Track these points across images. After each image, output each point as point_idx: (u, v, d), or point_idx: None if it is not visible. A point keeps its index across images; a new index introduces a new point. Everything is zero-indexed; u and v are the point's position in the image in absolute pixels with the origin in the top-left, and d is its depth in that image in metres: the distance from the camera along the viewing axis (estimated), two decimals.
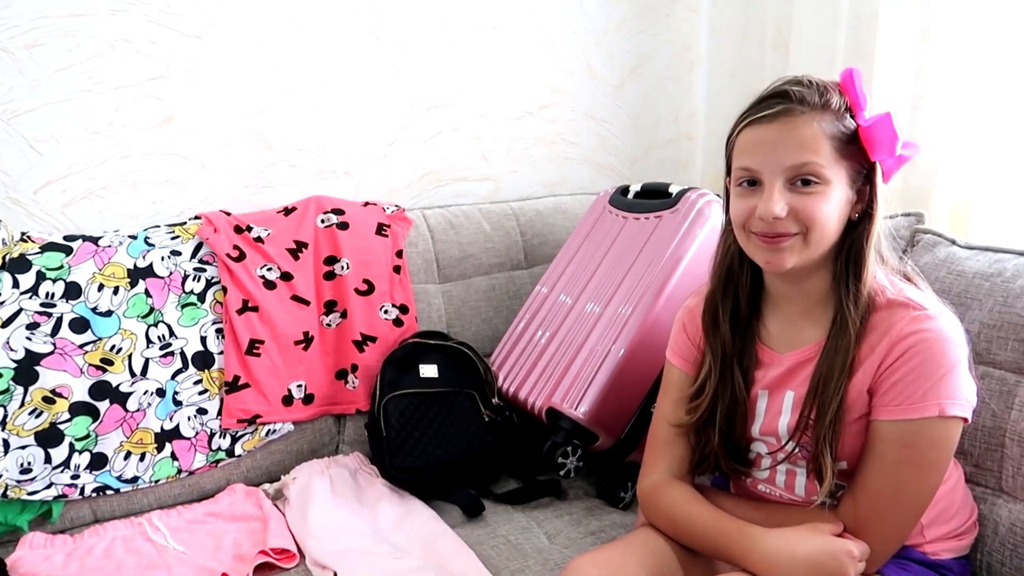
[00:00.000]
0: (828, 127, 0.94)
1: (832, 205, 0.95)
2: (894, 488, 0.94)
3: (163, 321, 1.48)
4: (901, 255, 1.05)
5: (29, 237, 1.45)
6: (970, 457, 1.18)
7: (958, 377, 0.93)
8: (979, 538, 1.13)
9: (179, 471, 1.47)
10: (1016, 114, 1.47)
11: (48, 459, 1.36)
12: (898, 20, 1.61)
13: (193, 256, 1.54)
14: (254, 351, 1.53)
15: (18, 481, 1.34)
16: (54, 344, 1.39)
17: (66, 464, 1.37)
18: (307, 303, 1.61)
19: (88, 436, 1.39)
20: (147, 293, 1.48)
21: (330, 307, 1.64)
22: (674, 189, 1.58)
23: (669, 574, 1.02)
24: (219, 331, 1.53)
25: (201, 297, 1.53)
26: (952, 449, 0.95)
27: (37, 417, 1.36)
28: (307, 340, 1.60)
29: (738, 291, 1.08)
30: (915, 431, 0.93)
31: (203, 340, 1.51)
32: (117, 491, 1.42)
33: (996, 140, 1.51)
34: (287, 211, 1.67)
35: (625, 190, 1.69)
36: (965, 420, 0.94)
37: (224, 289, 1.53)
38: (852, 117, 0.96)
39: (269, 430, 1.55)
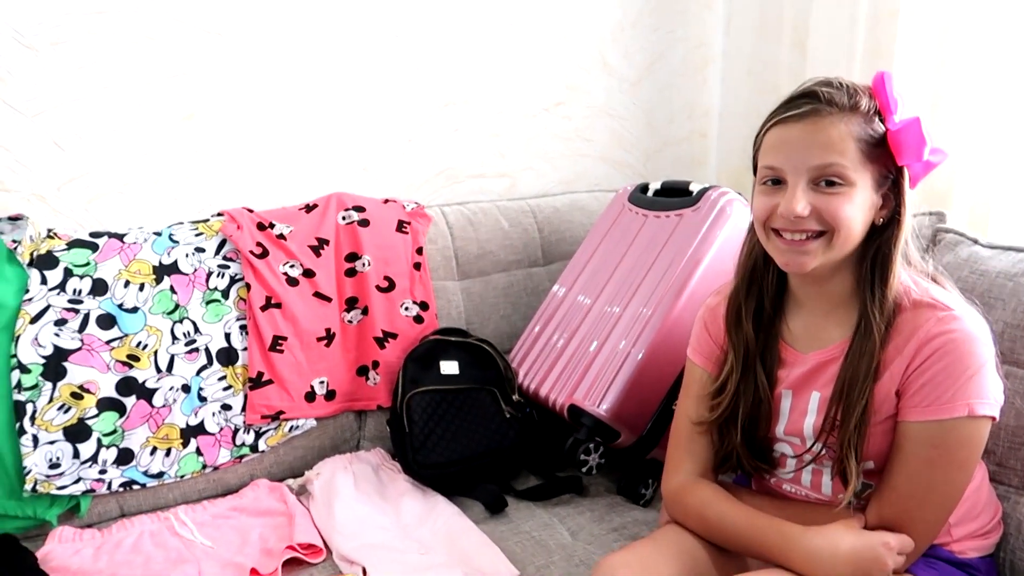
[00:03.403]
0: (855, 129, 0.94)
1: (856, 207, 0.95)
2: (924, 488, 0.95)
3: (188, 318, 1.49)
4: (923, 255, 1.05)
5: (55, 234, 1.46)
6: (993, 456, 1.19)
7: (986, 376, 0.94)
8: (1002, 536, 1.14)
9: (204, 466, 1.48)
10: None
11: (76, 454, 1.37)
12: (917, 18, 1.61)
13: (217, 253, 1.55)
14: (277, 347, 1.54)
15: (47, 476, 1.35)
16: (81, 340, 1.40)
17: (94, 459, 1.39)
18: (329, 300, 1.62)
19: (115, 431, 1.41)
20: (172, 290, 1.49)
21: (351, 304, 1.65)
22: (695, 187, 1.59)
23: (700, 571, 1.02)
24: (243, 327, 1.54)
25: (225, 294, 1.54)
26: (981, 448, 0.96)
27: (65, 412, 1.37)
28: (329, 337, 1.61)
29: (762, 291, 1.09)
30: (945, 431, 0.94)
31: (227, 337, 1.52)
32: (143, 486, 1.44)
33: (1016, 139, 1.51)
34: (308, 208, 1.68)
35: (644, 188, 1.70)
36: (993, 419, 0.95)
37: (248, 286, 1.54)
38: (881, 121, 0.96)
39: (292, 426, 1.56)
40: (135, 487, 1.43)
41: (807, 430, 1.04)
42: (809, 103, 0.96)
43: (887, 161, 0.97)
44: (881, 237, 0.99)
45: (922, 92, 1.61)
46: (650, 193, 1.68)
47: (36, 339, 1.36)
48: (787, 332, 1.09)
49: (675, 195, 1.61)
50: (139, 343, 1.44)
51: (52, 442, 1.36)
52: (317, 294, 1.61)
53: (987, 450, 1.19)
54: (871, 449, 0.99)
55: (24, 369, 1.35)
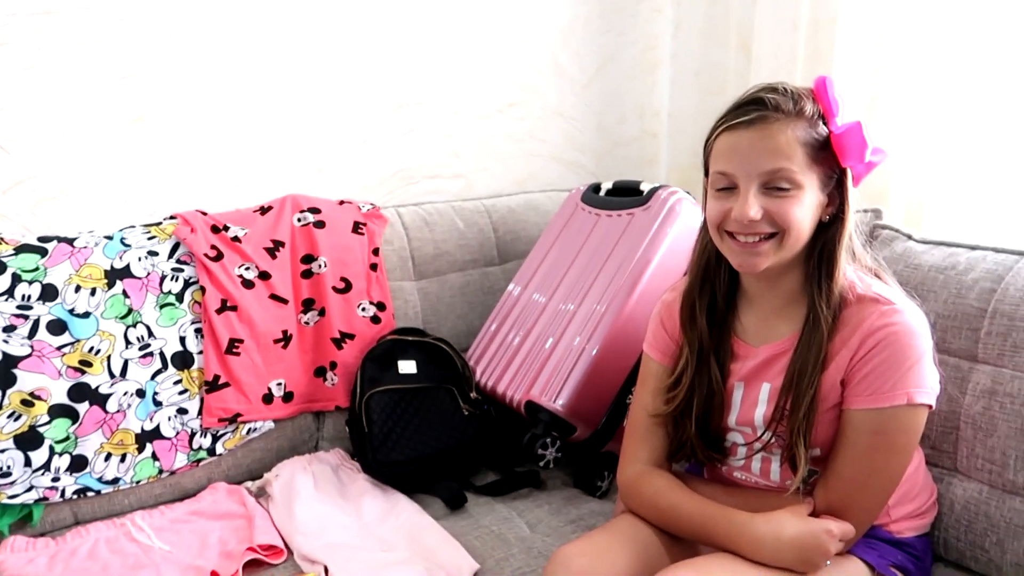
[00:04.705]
0: (801, 134, 0.99)
1: (805, 208, 1.00)
2: (866, 473, 1.00)
3: (142, 322, 1.48)
4: (864, 249, 1.10)
5: (2, 239, 1.44)
6: (927, 439, 1.26)
7: (924, 367, 0.99)
8: (937, 516, 1.21)
9: (160, 471, 1.47)
10: (967, 114, 1.55)
11: (28, 462, 1.35)
12: (855, 24, 1.68)
13: (171, 256, 1.54)
14: (234, 350, 1.54)
15: None
16: (31, 347, 1.37)
17: (46, 467, 1.37)
18: (285, 302, 1.62)
19: (68, 438, 1.39)
20: (125, 294, 1.47)
21: (308, 305, 1.65)
22: (645, 187, 1.63)
23: (653, 558, 1.06)
24: (198, 331, 1.53)
25: (179, 297, 1.52)
26: (919, 434, 1.02)
27: (16, 420, 1.35)
28: (286, 338, 1.61)
29: (715, 287, 1.13)
30: (886, 419, 0.99)
31: (182, 340, 1.51)
32: (98, 493, 1.42)
33: (948, 139, 1.58)
34: (263, 210, 1.68)
35: (597, 188, 1.74)
36: (930, 407, 1.00)
37: (202, 289, 1.53)
38: (824, 124, 1.01)
39: (250, 428, 1.56)
40: (89, 494, 1.41)
41: (758, 419, 1.09)
42: (756, 109, 1.00)
43: (831, 162, 1.01)
44: (826, 234, 1.04)
45: (859, 94, 1.68)
46: (602, 193, 1.72)
47: None
48: (739, 327, 1.13)
49: (626, 195, 1.65)
50: (91, 348, 1.42)
51: (3, 450, 1.33)
52: (273, 296, 1.61)
53: (922, 435, 1.25)
54: (818, 437, 1.04)
55: None
